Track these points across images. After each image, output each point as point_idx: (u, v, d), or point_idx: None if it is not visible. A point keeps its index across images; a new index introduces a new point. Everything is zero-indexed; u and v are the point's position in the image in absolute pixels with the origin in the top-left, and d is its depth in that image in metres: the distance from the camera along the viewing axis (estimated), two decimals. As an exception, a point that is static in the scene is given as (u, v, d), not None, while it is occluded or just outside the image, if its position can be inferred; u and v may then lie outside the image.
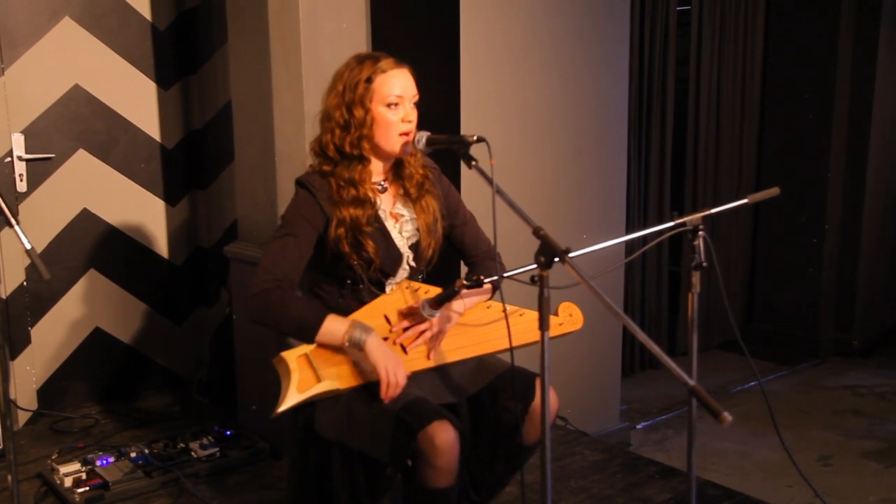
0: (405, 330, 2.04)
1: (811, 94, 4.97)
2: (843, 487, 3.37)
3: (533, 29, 3.20)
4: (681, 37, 4.70)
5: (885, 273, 5.24)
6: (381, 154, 2.06)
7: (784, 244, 5.21)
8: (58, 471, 2.81)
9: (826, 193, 4.98)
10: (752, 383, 4.56)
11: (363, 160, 2.03)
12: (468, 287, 1.96)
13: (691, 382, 1.37)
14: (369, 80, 2.00)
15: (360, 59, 2.05)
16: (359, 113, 2.00)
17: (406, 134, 2.02)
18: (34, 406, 3.47)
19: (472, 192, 2.65)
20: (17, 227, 2.11)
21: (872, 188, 4.99)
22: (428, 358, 2.06)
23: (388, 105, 2.00)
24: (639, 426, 4.04)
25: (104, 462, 2.88)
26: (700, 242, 1.99)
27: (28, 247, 2.08)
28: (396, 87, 2.01)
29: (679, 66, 4.70)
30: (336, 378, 1.94)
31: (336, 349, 1.96)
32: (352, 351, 1.95)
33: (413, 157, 2.11)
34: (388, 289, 2.09)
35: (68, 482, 2.76)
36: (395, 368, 1.91)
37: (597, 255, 2.00)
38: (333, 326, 1.93)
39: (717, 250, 2.04)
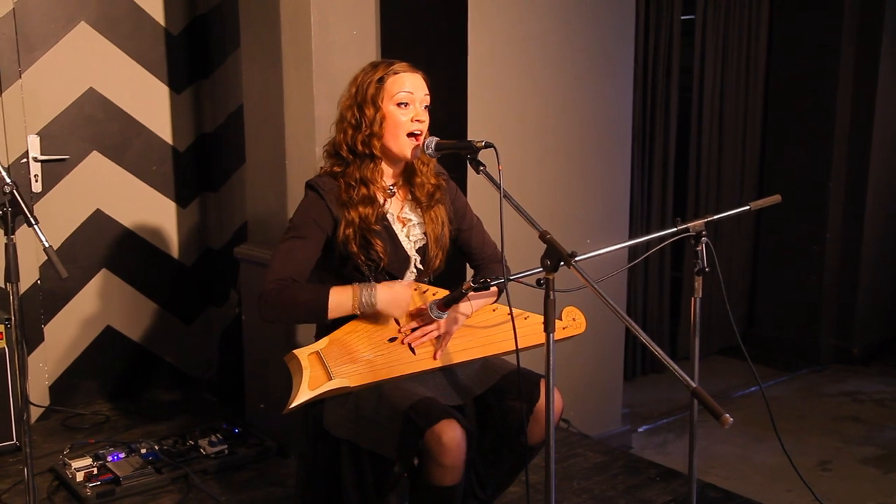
0: (413, 330, 2.08)
1: (813, 103, 5.01)
2: (842, 492, 3.41)
3: (540, 36, 3.25)
4: (684, 46, 4.75)
5: (886, 281, 5.27)
6: (390, 155, 2.08)
7: (785, 251, 5.24)
8: (70, 465, 2.85)
9: (827, 201, 5.02)
10: (753, 388, 4.59)
11: (374, 159, 2.06)
12: (475, 289, 1.98)
13: (693, 384, 1.42)
14: (381, 81, 2.05)
15: (374, 64, 2.11)
16: (369, 112, 2.04)
17: (414, 135, 2.05)
18: (46, 402, 3.53)
19: (478, 196, 2.69)
20: (36, 227, 2.16)
21: (873, 196, 5.03)
22: (434, 358, 2.10)
23: (399, 104, 2.03)
24: (640, 429, 4.08)
25: (115, 458, 2.94)
26: (703, 248, 2.04)
27: (46, 245, 2.13)
28: (407, 86, 2.05)
29: (682, 74, 4.74)
30: (347, 376, 1.97)
31: (349, 348, 2.00)
32: (367, 314, 2.02)
33: (426, 167, 2.13)
34: (395, 292, 2.13)
35: (80, 476, 2.81)
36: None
37: (600, 259, 2.04)
38: (340, 299, 1.99)
39: (719, 257, 2.08)
